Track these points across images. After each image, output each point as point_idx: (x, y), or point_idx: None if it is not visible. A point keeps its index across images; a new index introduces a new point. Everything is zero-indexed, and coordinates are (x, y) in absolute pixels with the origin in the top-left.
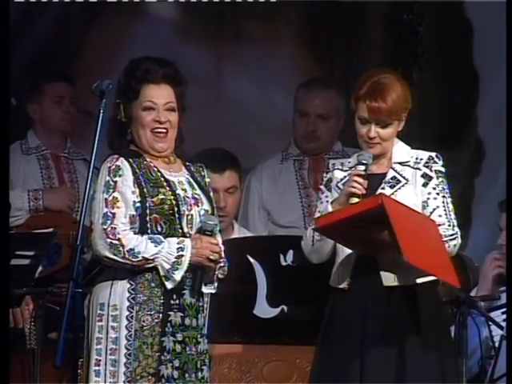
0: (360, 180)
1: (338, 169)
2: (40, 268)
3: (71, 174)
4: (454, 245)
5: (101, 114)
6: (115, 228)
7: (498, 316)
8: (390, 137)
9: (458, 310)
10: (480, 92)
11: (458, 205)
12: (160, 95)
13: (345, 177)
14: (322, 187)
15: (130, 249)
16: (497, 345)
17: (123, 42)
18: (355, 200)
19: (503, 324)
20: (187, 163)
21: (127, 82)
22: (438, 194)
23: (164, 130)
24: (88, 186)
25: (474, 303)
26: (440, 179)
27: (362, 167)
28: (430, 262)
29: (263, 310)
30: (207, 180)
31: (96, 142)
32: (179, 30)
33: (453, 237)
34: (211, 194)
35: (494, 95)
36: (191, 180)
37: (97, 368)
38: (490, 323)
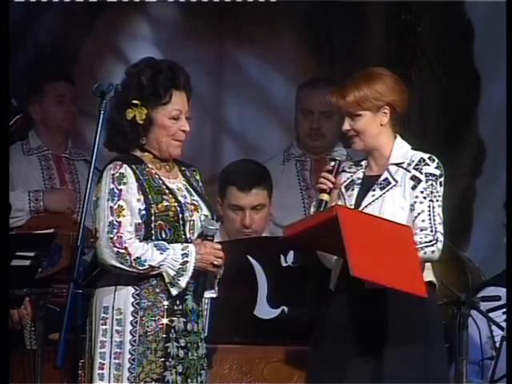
0: (327, 175)
1: (344, 171)
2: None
3: (72, 174)
4: (432, 251)
5: (101, 115)
6: (121, 237)
7: (499, 316)
8: (363, 129)
9: (458, 311)
10: (481, 92)
11: (459, 206)
12: (183, 103)
13: (348, 178)
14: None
15: (137, 257)
16: (497, 345)
17: (123, 42)
18: (324, 196)
19: (504, 324)
20: (182, 168)
21: (152, 86)
22: (424, 197)
23: (184, 138)
24: (88, 187)
25: (475, 304)
26: (429, 182)
27: (332, 163)
28: (387, 274)
29: (264, 310)
30: (201, 184)
31: (96, 142)
32: (179, 29)
33: (430, 243)
34: (207, 198)
35: (495, 95)
36: (188, 186)
37: (101, 371)
38: (491, 324)
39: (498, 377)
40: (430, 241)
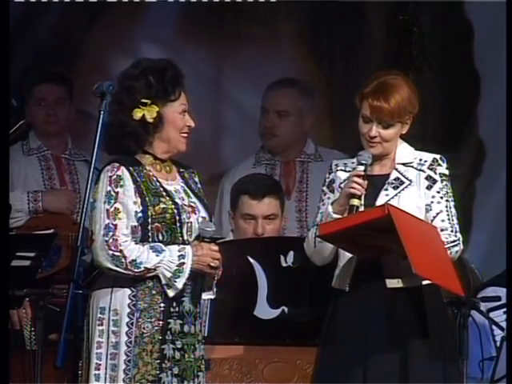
0: (359, 180)
1: (341, 170)
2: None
3: (72, 175)
4: (456, 251)
5: (101, 115)
6: (117, 239)
7: (500, 316)
8: (391, 138)
9: (458, 312)
10: (481, 93)
11: (459, 206)
12: (186, 98)
13: (348, 177)
14: (324, 189)
15: (132, 260)
16: (498, 345)
17: (124, 42)
18: (355, 201)
19: (504, 324)
20: (181, 170)
21: (161, 84)
22: (441, 197)
23: (189, 132)
24: (89, 188)
25: (475, 304)
26: (444, 183)
27: (362, 167)
28: (436, 272)
29: (264, 311)
30: (200, 186)
31: (96, 143)
32: (179, 30)
33: (455, 243)
34: (205, 200)
35: (495, 96)
36: (186, 188)
37: (97, 372)
38: (491, 324)
39: (498, 377)
40: (454, 241)
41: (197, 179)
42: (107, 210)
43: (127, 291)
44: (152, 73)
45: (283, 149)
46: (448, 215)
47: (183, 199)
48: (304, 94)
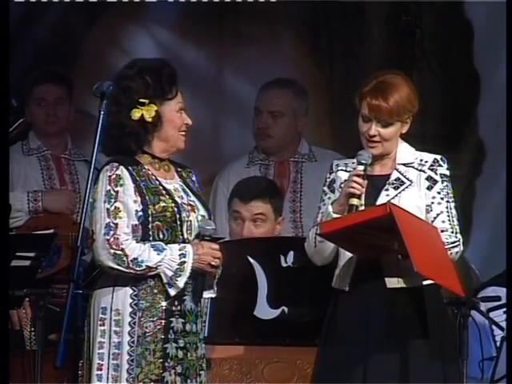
0: (359, 180)
1: (341, 170)
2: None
3: (72, 175)
4: (456, 252)
5: (101, 116)
6: (118, 238)
7: (500, 315)
8: (390, 137)
9: (458, 312)
10: (481, 93)
11: (459, 206)
12: (182, 96)
13: (349, 177)
14: (324, 188)
15: (134, 258)
16: (498, 345)
17: (123, 42)
18: (355, 200)
19: (504, 324)
20: (179, 169)
21: (158, 83)
22: (442, 198)
23: (187, 130)
24: (89, 187)
25: (475, 304)
26: (445, 183)
27: (361, 167)
28: (437, 271)
29: (264, 311)
30: (197, 185)
31: (96, 143)
32: (179, 30)
33: (455, 244)
34: (203, 198)
35: (495, 96)
36: (184, 187)
37: (99, 372)
38: (491, 324)
39: (498, 377)
40: (454, 242)
41: (194, 178)
42: (107, 210)
43: (129, 290)
44: (148, 72)
45: (277, 149)
46: (448, 216)
47: (182, 198)
48: (298, 94)
